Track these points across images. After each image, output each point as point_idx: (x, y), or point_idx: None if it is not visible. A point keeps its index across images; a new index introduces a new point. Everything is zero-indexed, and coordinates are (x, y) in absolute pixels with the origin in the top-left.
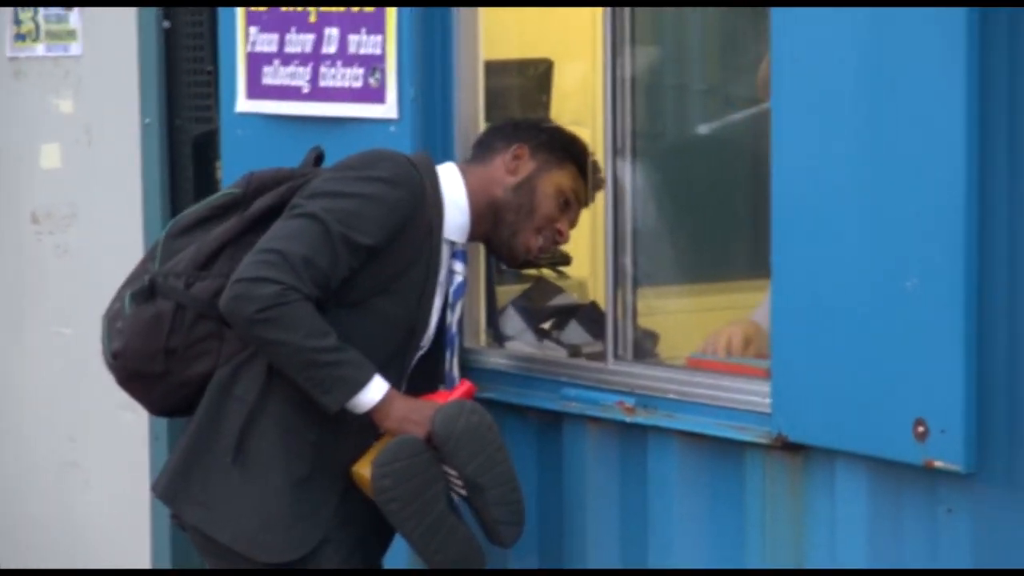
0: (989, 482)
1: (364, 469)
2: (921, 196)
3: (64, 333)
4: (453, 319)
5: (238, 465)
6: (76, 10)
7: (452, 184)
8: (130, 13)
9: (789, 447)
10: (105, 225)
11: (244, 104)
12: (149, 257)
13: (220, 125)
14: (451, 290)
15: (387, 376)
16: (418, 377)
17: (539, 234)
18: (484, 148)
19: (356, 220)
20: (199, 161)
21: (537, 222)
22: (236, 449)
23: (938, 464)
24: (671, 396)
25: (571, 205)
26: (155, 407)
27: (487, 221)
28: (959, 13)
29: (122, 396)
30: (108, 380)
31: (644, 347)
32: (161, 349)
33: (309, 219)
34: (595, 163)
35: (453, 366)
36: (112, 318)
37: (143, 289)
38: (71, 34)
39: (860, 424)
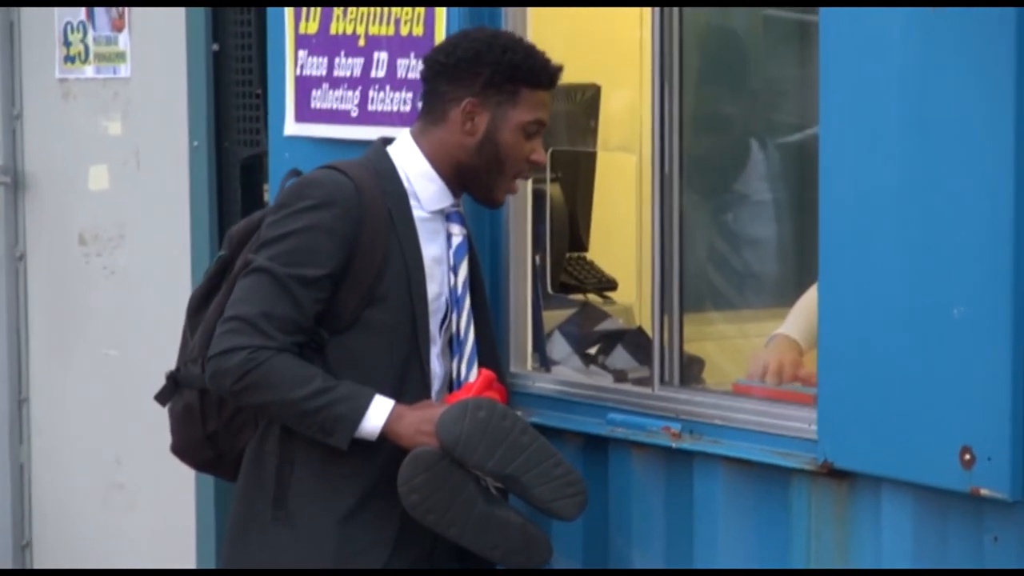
0: None
1: None
2: (968, 223)
3: (111, 355)
4: (457, 281)
5: (283, 521)
6: (126, 32)
7: (410, 159)
8: (179, 35)
9: (835, 474)
10: (153, 247)
11: (292, 127)
12: (184, 342)
13: (268, 148)
14: (451, 253)
15: (411, 383)
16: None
17: (516, 177)
18: (433, 99)
19: (300, 256)
20: (247, 184)
21: (510, 170)
22: (276, 507)
23: (984, 492)
24: (717, 422)
25: (538, 129)
26: (235, 479)
27: (460, 181)
28: (1009, 27)
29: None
30: (154, 402)
31: (690, 373)
32: (203, 437)
33: (257, 274)
34: (544, 63)
35: (466, 332)
36: (156, 398)
37: (167, 387)
38: (120, 56)
39: (906, 451)
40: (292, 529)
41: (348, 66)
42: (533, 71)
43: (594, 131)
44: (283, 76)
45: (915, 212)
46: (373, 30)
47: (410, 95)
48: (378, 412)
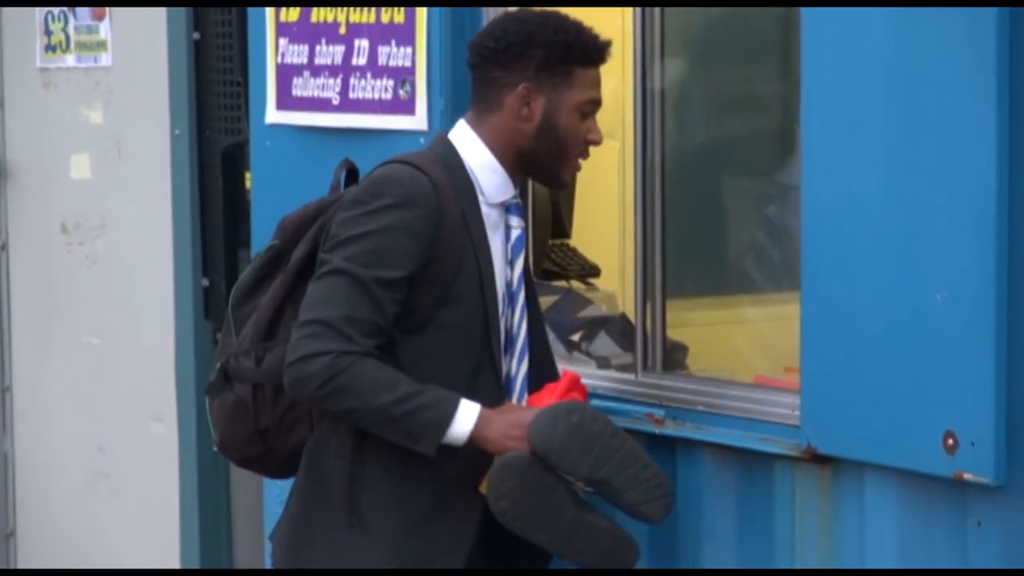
0: (1019, 495)
1: (485, 489)
2: (951, 208)
3: (94, 343)
4: (513, 276)
5: (356, 526)
6: (107, 21)
7: (473, 150)
8: (160, 24)
9: (818, 459)
10: (135, 235)
11: (274, 115)
12: (226, 332)
13: (250, 136)
14: (509, 247)
15: (484, 383)
16: (534, 357)
17: (579, 156)
18: (485, 86)
19: (380, 258)
20: (228, 172)
21: (571, 150)
22: (349, 511)
23: (968, 477)
24: (700, 408)
25: (594, 107)
26: (279, 476)
27: (523, 168)
28: (990, 21)
29: (151, 406)
30: (137, 390)
31: (673, 359)
32: (254, 432)
33: (336, 275)
34: (595, 40)
35: (519, 327)
36: (207, 391)
37: (217, 379)
38: (101, 45)
39: (889, 436)
40: (366, 533)
41: (329, 54)
42: (586, 50)
43: None
44: (264, 64)
45: (898, 197)
46: (354, 17)
47: (391, 83)
48: (466, 417)
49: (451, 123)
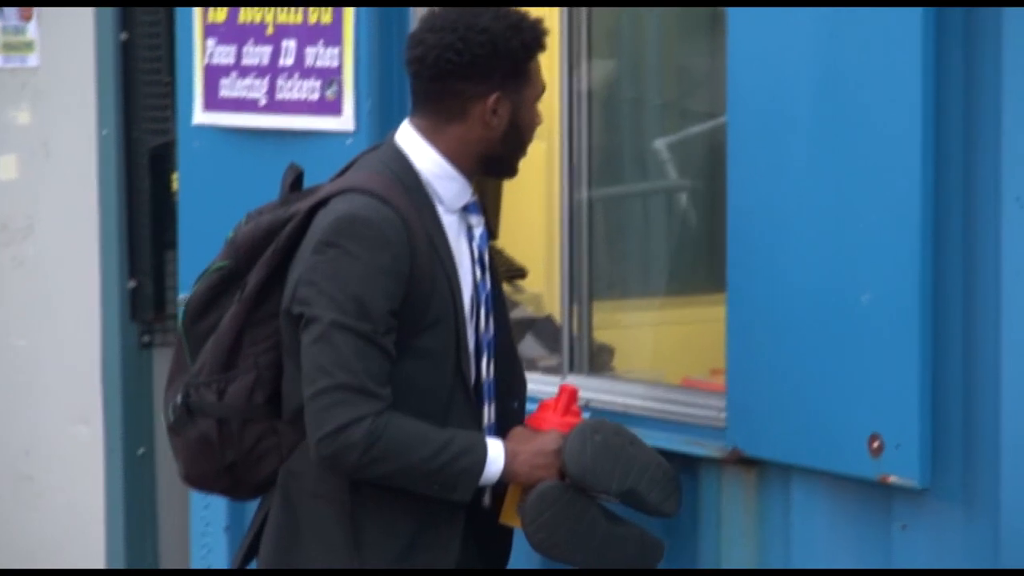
0: (944, 498)
1: (512, 520)
2: (875, 211)
3: (19, 345)
4: (485, 276)
5: (355, 560)
6: (34, 21)
7: (428, 160)
8: (88, 25)
9: (744, 462)
10: (61, 237)
11: (201, 116)
12: (179, 350)
13: (177, 137)
14: (475, 246)
15: (457, 402)
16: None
17: (531, 141)
18: (446, 98)
19: (369, 304)
20: (156, 173)
21: (529, 141)
22: (355, 547)
23: (893, 480)
24: (627, 411)
25: (543, 93)
26: (250, 499)
27: (482, 169)
28: (915, 24)
29: (77, 409)
30: (63, 392)
31: (600, 361)
32: (221, 467)
33: (335, 333)
34: (541, 29)
35: (488, 326)
36: (168, 429)
37: (180, 414)
38: (28, 45)
39: (815, 439)
40: (363, 564)
41: (256, 54)
42: (537, 41)
43: None
44: (191, 65)
45: (823, 200)
46: (282, 18)
47: (318, 83)
48: (495, 459)
49: (377, 124)
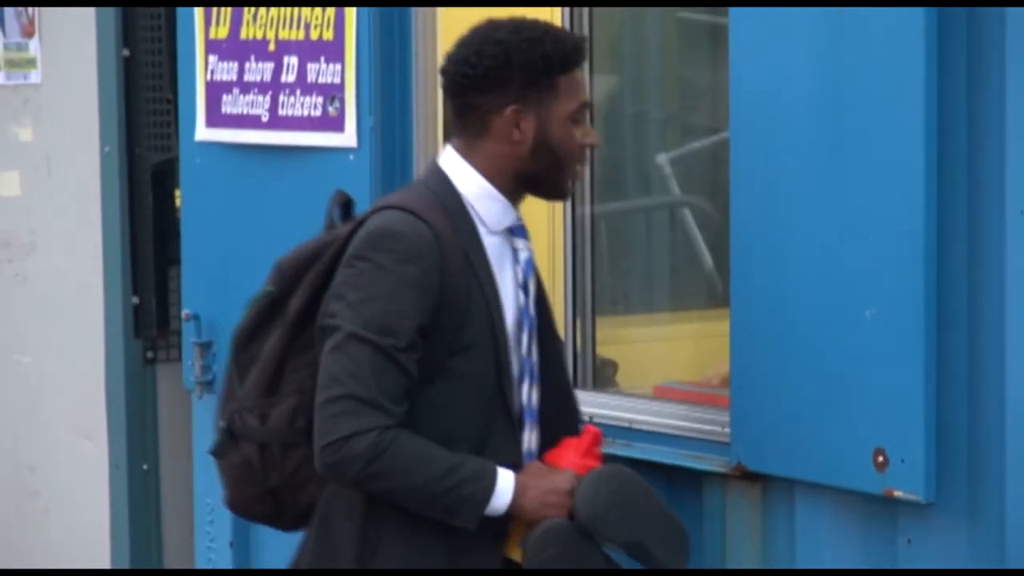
0: (948, 512)
1: (514, 553)
2: (879, 224)
3: (23, 361)
4: (528, 301)
5: None
6: (36, 38)
7: (468, 180)
8: (90, 41)
9: (748, 476)
10: (64, 253)
11: (203, 132)
12: (230, 380)
13: (179, 153)
14: (519, 269)
15: (498, 431)
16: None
17: (578, 164)
18: (468, 113)
19: (394, 318)
20: (158, 189)
21: (569, 163)
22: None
23: (898, 494)
24: (631, 425)
25: (584, 111)
26: (294, 529)
27: (523, 188)
28: (918, 39)
29: (81, 425)
30: (67, 408)
31: (604, 376)
32: (265, 491)
33: (353, 344)
34: (570, 43)
35: (531, 351)
36: (213, 454)
37: (223, 439)
38: (31, 62)
39: (820, 453)
40: None
41: (258, 71)
42: (564, 57)
43: None
44: (194, 81)
45: (827, 214)
46: (283, 35)
47: (320, 99)
48: (504, 490)
49: (380, 140)
